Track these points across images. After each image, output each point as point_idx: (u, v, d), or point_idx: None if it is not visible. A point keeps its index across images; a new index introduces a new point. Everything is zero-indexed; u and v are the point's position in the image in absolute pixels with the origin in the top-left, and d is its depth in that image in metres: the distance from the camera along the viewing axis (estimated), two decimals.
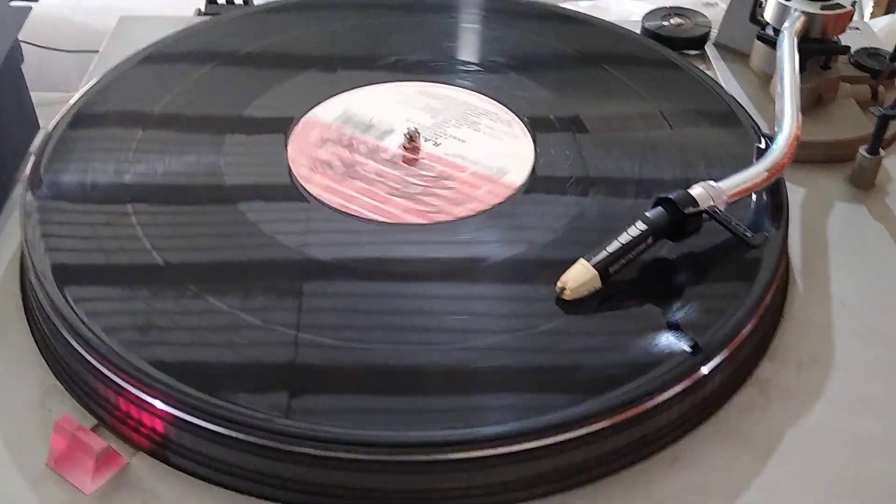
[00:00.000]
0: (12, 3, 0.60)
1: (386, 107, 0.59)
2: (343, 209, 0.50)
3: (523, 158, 0.55)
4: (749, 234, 0.46)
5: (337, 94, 0.59)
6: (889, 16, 1.18)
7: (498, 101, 0.59)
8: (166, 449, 0.41)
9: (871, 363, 0.47)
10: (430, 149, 0.55)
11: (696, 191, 0.47)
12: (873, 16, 1.45)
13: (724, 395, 0.45)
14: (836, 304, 0.50)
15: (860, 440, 0.44)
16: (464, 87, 0.61)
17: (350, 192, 0.52)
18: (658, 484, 0.41)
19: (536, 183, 0.53)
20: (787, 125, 0.52)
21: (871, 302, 0.50)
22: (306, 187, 0.52)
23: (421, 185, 0.52)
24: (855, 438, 0.44)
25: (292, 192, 0.52)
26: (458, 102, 0.59)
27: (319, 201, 0.51)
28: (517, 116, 0.58)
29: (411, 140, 0.55)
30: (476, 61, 0.64)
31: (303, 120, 0.57)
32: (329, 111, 0.58)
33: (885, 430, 0.44)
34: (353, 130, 0.57)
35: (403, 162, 0.54)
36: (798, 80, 0.56)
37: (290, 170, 0.53)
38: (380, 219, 0.50)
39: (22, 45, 0.59)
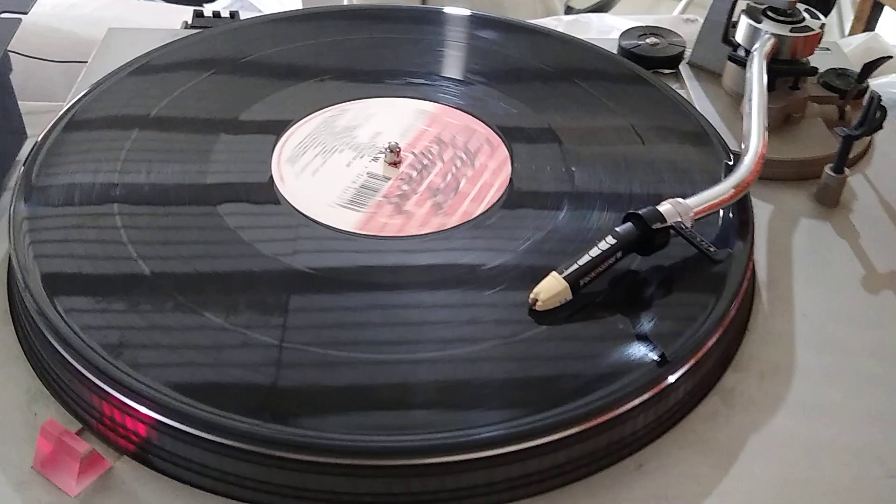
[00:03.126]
0: (1, 16, 0.61)
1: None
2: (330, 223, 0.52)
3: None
4: (712, 250, 0.47)
5: (319, 109, 0.61)
6: (866, 33, 1.20)
7: (473, 115, 0.61)
8: (149, 453, 0.42)
9: (830, 372, 0.49)
10: (412, 161, 0.57)
11: (663, 207, 0.48)
12: (853, 31, 1.48)
13: (689, 403, 0.47)
14: (799, 317, 0.52)
15: (819, 447, 0.45)
16: (440, 102, 0.62)
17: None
18: (622, 490, 0.43)
19: (516, 194, 0.55)
20: (754, 144, 0.54)
21: (832, 314, 0.52)
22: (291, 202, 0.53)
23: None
24: (814, 445, 0.45)
25: (276, 202, 0.53)
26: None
27: (305, 215, 0.52)
28: (492, 129, 0.60)
29: (394, 154, 0.57)
30: (453, 76, 0.65)
31: (286, 134, 0.59)
32: (312, 127, 0.60)
33: (842, 437, 0.46)
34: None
35: (387, 175, 0.56)
36: (766, 100, 0.58)
37: (274, 184, 0.54)
38: (366, 232, 0.51)
39: (10, 54, 0.60)
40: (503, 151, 0.58)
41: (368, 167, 0.57)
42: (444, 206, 0.54)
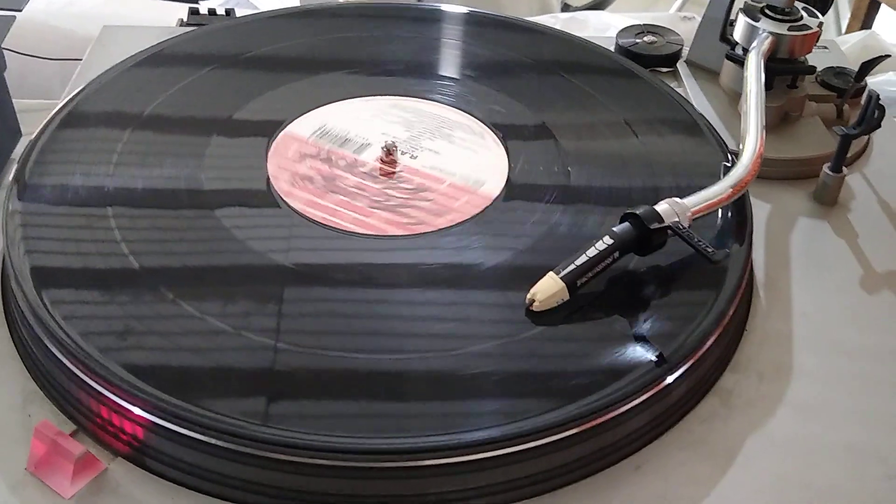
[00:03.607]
0: None
1: (361, 121, 0.60)
2: (326, 223, 0.51)
3: (498, 169, 0.56)
4: (710, 250, 0.47)
5: (312, 109, 0.61)
6: (863, 31, 1.20)
7: (469, 114, 0.61)
8: (144, 454, 0.42)
9: (829, 373, 0.49)
10: (407, 161, 0.57)
11: (661, 207, 0.48)
12: (849, 29, 1.48)
13: (688, 404, 0.46)
14: (798, 317, 0.52)
15: (818, 447, 0.45)
16: (435, 101, 0.62)
17: (332, 205, 0.53)
18: (621, 491, 0.42)
19: (512, 192, 0.54)
20: (752, 143, 0.54)
21: (830, 314, 0.52)
22: (289, 202, 0.53)
23: (401, 198, 0.54)
24: (813, 446, 0.45)
25: (275, 206, 0.53)
26: (432, 115, 0.60)
27: (302, 215, 0.52)
28: (489, 128, 0.59)
29: (389, 153, 0.56)
30: (448, 75, 0.65)
31: (280, 135, 0.58)
32: (305, 126, 0.59)
33: (842, 437, 0.46)
34: (330, 145, 0.58)
35: (382, 175, 0.56)
36: (763, 99, 0.58)
37: (270, 185, 0.54)
38: (362, 231, 0.51)
39: (5, 52, 0.59)
40: (500, 149, 0.58)
41: (364, 166, 0.56)
42: (441, 204, 0.53)
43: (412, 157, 0.57)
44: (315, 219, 0.52)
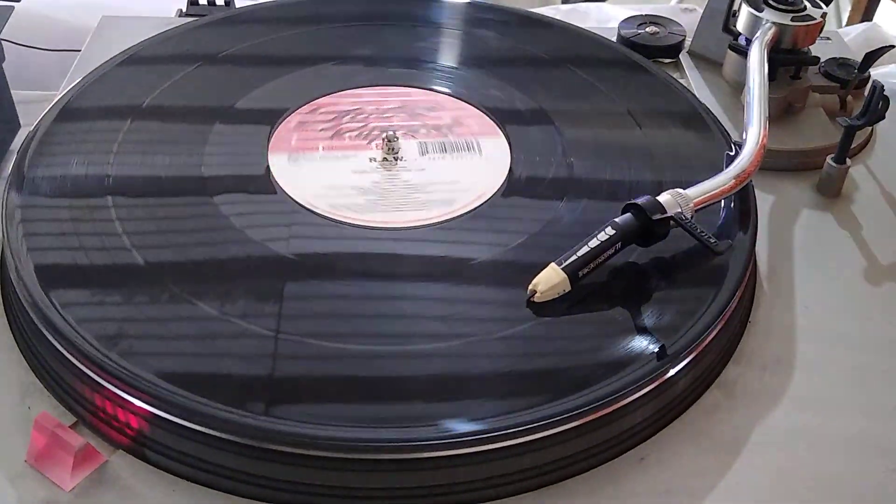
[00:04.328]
0: None
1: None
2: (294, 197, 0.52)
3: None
4: (713, 241, 0.47)
5: (321, 96, 0.60)
6: (864, 23, 1.20)
7: (473, 104, 0.60)
8: (145, 446, 0.42)
9: (833, 365, 0.49)
10: (406, 156, 0.56)
11: (663, 198, 0.48)
12: (850, 21, 1.47)
13: (691, 396, 0.46)
14: (801, 309, 0.52)
15: (821, 439, 0.45)
16: (470, 104, 0.61)
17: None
18: (624, 483, 0.42)
19: (514, 183, 0.54)
20: (755, 134, 0.54)
21: (834, 306, 0.52)
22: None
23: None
24: (816, 438, 0.45)
25: (272, 191, 0.53)
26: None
27: (299, 203, 0.52)
28: (493, 120, 0.59)
29: (389, 142, 0.56)
30: (450, 64, 0.65)
31: (287, 117, 0.58)
32: (309, 113, 0.59)
33: (845, 429, 0.46)
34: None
35: (375, 163, 0.55)
36: (766, 90, 0.57)
37: (269, 170, 0.54)
38: (324, 213, 0.51)
39: (3, 43, 0.59)
40: (502, 140, 0.58)
41: (366, 156, 0.56)
42: (444, 194, 0.53)
43: (415, 146, 0.57)
44: (317, 209, 0.51)
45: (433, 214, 0.52)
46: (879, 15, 1.45)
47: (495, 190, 0.54)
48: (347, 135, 0.58)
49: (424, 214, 0.52)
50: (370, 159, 0.56)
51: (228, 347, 0.43)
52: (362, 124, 0.59)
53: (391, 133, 0.56)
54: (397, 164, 0.56)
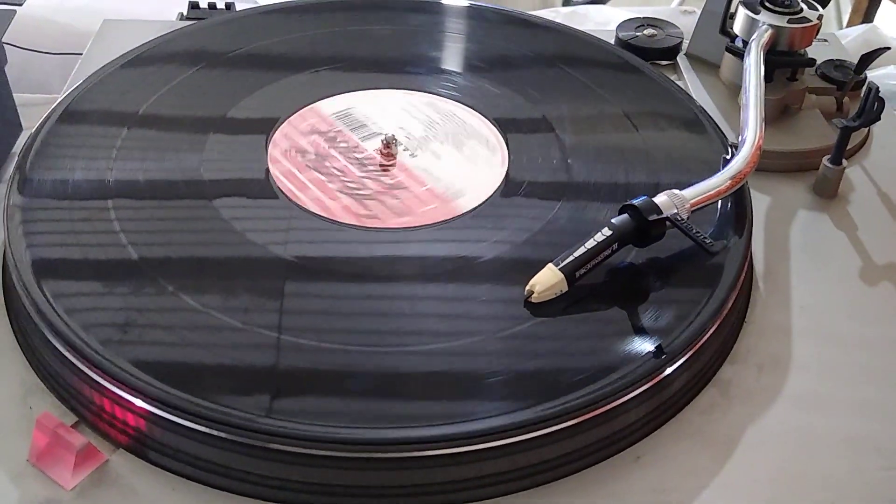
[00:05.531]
0: None
1: (388, 112, 0.60)
2: (291, 196, 0.53)
3: (486, 185, 0.55)
4: (709, 242, 0.47)
5: (319, 99, 0.61)
6: (864, 25, 1.20)
7: (471, 107, 0.61)
8: (146, 445, 0.42)
9: (828, 364, 0.49)
10: (404, 158, 0.57)
11: (660, 198, 0.48)
12: (850, 23, 1.47)
13: (687, 395, 0.46)
14: (797, 309, 0.52)
15: (817, 439, 0.45)
16: (468, 106, 0.61)
17: (305, 181, 0.54)
18: (620, 482, 0.43)
19: (510, 188, 0.54)
20: (751, 135, 0.54)
21: (830, 306, 0.52)
22: (271, 167, 0.54)
23: (373, 190, 0.54)
24: (812, 437, 0.45)
25: (272, 194, 0.53)
26: (457, 120, 0.60)
27: (275, 186, 0.53)
28: (491, 122, 0.59)
29: (387, 146, 0.56)
30: (451, 68, 0.65)
31: (306, 109, 0.59)
32: (331, 105, 0.60)
33: (840, 429, 0.46)
34: (344, 126, 0.58)
35: (371, 164, 0.56)
36: (763, 91, 0.58)
37: (269, 173, 0.54)
38: (318, 212, 0.52)
39: (5, 46, 0.59)
40: (499, 142, 0.58)
41: (365, 158, 0.56)
42: (442, 196, 0.54)
43: (412, 154, 0.57)
44: (284, 190, 0.52)
45: (431, 216, 0.52)
46: (880, 16, 1.45)
47: (493, 191, 0.54)
48: (346, 137, 0.58)
49: (422, 216, 0.52)
50: (368, 161, 0.56)
51: (230, 347, 0.44)
52: (360, 126, 0.59)
53: (389, 135, 0.57)
54: (395, 166, 0.56)
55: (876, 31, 1.04)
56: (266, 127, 0.58)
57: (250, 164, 0.55)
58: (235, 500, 0.41)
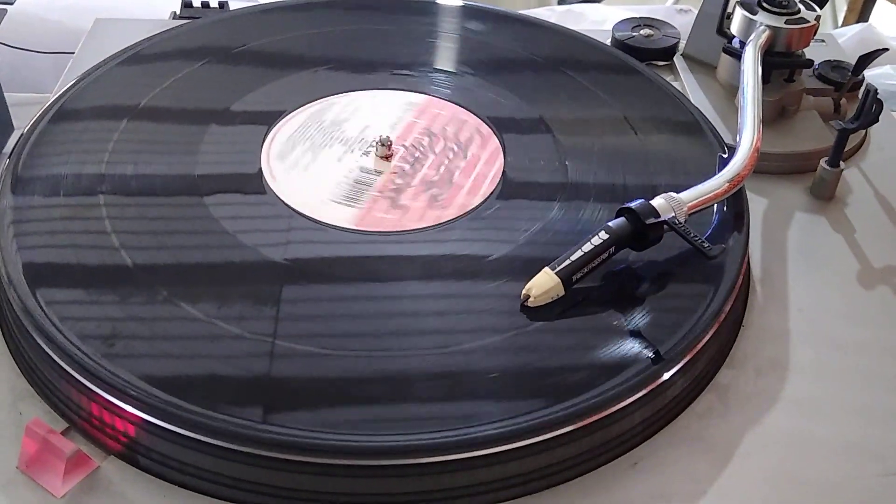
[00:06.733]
0: None
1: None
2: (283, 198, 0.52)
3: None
4: (707, 245, 0.47)
5: (313, 100, 0.60)
6: (860, 24, 1.20)
7: (465, 108, 0.60)
8: (137, 452, 0.42)
9: (826, 368, 0.49)
10: (398, 160, 0.56)
11: (657, 202, 0.48)
12: (846, 22, 1.47)
13: (684, 400, 0.46)
14: (794, 312, 0.52)
15: (815, 443, 0.45)
16: (463, 107, 0.61)
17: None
18: (618, 488, 0.42)
19: (507, 189, 0.54)
20: (748, 137, 0.54)
21: (827, 309, 0.52)
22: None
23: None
24: (810, 442, 0.45)
25: (268, 199, 0.52)
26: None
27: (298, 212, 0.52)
28: (486, 122, 0.59)
29: (383, 147, 0.56)
30: (444, 68, 0.65)
31: (280, 123, 0.58)
32: (301, 118, 0.59)
33: (838, 433, 0.46)
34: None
35: (366, 166, 0.55)
36: (760, 93, 0.57)
37: (262, 176, 0.54)
38: (310, 215, 0.51)
39: None
40: (495, 142, 0.58)
41: (360, 162, 0.56)
42: (440, 198, 0.53)
43: (408, 150, 0.57)
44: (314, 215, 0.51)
45: (427, 218, 0.52)
46: (875, 15, 1.45)
47: (489, 194, 0.54)
48: (342, 138, 0.57)
49: (419, 218, 0.52)
50: (364, 162, 0.56)
51: (223, 353, 0.43)
52: (357, 127, 0.58)
53: (384, 136, 0.56)
54: (391, 167, 0.55)
55: (872, 30, 1.04)
56: (262, 126, 0.58)
57: (243, 164, 0.55)
58: None
